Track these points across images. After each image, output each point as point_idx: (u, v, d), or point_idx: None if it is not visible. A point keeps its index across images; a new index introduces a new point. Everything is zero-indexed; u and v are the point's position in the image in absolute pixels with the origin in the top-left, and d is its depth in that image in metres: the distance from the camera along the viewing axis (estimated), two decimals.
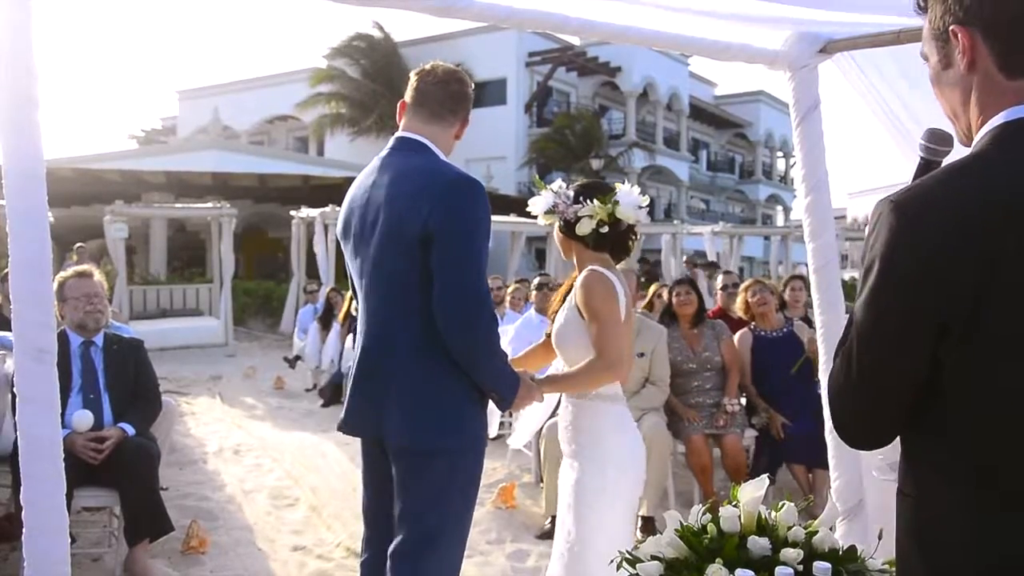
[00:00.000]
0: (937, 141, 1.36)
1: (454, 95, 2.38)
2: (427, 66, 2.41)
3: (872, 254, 1.13)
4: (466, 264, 2.15)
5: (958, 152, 1.33)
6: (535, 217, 2.71)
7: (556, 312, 2.74)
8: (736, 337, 5.23)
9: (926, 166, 1.37)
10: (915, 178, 1.32)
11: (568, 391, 2.61)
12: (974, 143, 1.18)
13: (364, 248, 2.27)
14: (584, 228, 2.55)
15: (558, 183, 2.68)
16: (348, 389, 2.38)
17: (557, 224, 2.63)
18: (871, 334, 1.15)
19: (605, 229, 2.55)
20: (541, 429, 4.57)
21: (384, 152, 2.37)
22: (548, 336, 2.77)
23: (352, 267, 2.37)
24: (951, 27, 1.17)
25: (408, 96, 2.38)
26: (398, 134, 2.37)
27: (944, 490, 1.14)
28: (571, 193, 2.60)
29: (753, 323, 5.30)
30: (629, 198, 2.58)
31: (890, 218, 1.10)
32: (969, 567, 1.10)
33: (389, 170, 2.29)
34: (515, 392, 2.32)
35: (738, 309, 5.51)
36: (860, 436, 1.27)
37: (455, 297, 2.13)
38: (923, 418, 1.15)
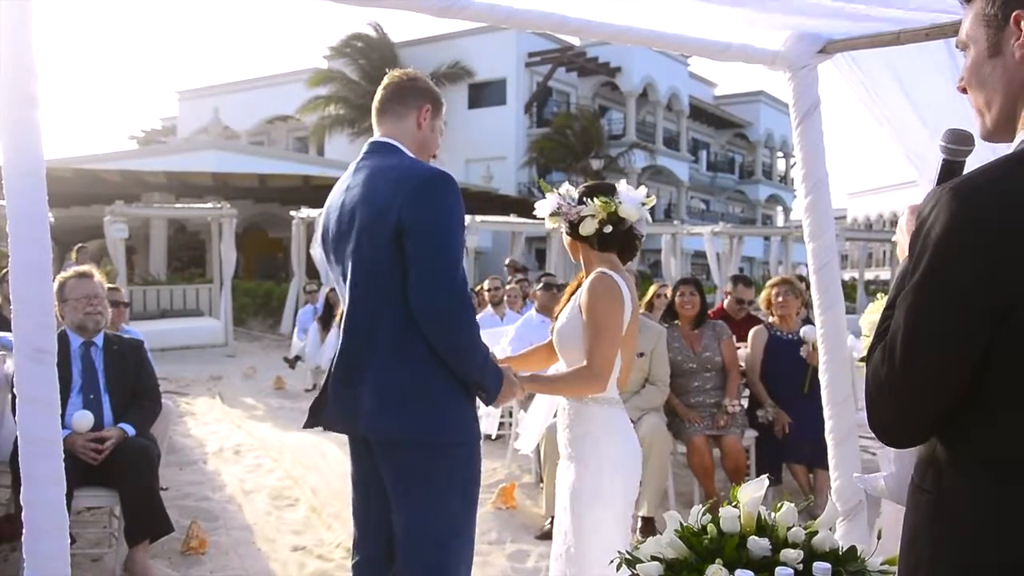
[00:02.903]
0: (959, 141, 1.35)
1: (400, 90, 2.41)
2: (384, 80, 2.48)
3: (926, 242, 1.11)
4: (440, 256, 2.16)
5: (980, 151, 1.32)
6: (536, 217, 2.72)
7: (560, 309, 2.74)
8: (751, 333, 5.27)
9: (949, 167, 1.35)
10: (939, 180, 1.31)
11: (550, 394, 2.61)
12: (1019, 141, 1.17)
13: (343, 248, 2.30)
14: (588, 228, 2.55)
15: (565, 186, 2.69)
16: (329, 384, 2.36)
17: (564, 227, 2.64)
18: (925, 321, 1.11)
19: (609, 229, 2.56)
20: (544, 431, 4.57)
21: (358, 157, 2.41)
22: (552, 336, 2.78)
23: (333, 266, 2.40)
24: (1016, 12, 1.16)
25: (373, 110, 2.45)
26: (369, 139, 2.43)
27: (967, 486, 1.13)
28: (575, 195, 2.62)
29: (771, 320, 5.32)
30: (631, 196, 2.59)
31: (951, 204, 1.09)
32: (991, 563, 1.10)
33: (363, 172, 2.33)
34: (498, 386, 2.31)
35: (760, 302, 5.53)
36: (903, 434, 1.21)
37: (430, 289, 2.14)
38: (948, 412, 1.14)
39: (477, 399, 2.32)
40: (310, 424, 2.43)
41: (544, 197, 2.67)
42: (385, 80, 2.46)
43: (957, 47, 1.29)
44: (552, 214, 2.63)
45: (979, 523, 1.11)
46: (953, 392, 1.12)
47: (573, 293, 2.71)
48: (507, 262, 11.92)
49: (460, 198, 2.24)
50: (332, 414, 2.36)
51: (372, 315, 2.23)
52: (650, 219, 2.69)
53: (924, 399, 1.14)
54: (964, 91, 1.28)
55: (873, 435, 1.26)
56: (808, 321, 5.21)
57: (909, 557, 1.22)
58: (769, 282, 5.59)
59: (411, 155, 2.35)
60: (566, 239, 2.68)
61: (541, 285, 6.47)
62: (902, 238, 1.39)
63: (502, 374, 2.33)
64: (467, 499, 2.29)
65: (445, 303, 2.15)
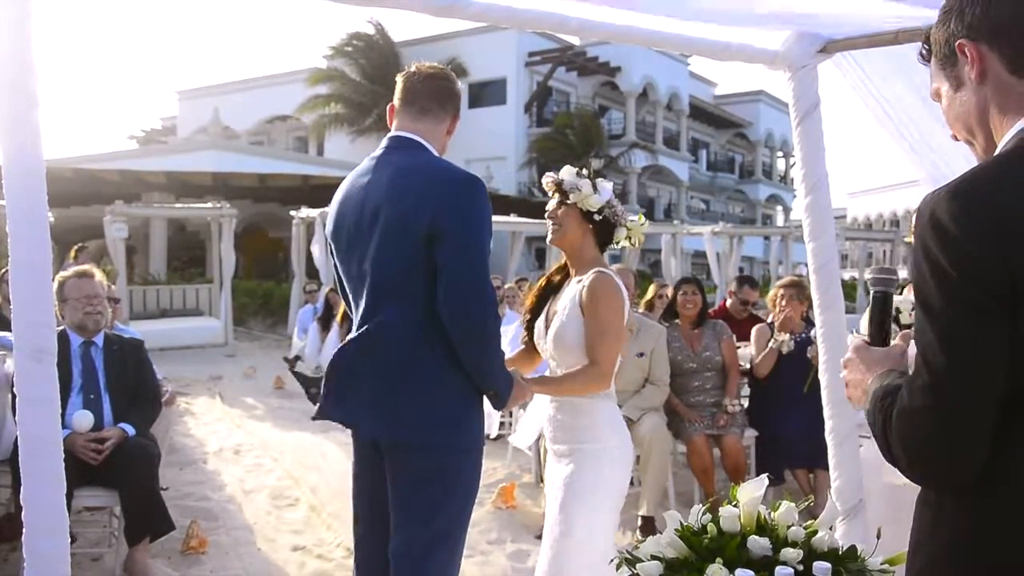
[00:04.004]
0: (885, 273, 1.45)
1: (441, 91, 2.38)
2: (412, 67, 2.43)
3: (931, 255, 1.11)
4: (473, 262, 2.15)
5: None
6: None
7: (531, 309, 2.73)
8: (754, 329, 5.29)
9: (884, 299, 1.43)
10: (872, 316, 1.41)
11: (557, 394, 2.61)
12: (1003, 144, 1.19)
13: (361, 245, 2.26)
14: (620, 235, 2.65)
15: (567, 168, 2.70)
16: (335, 379, 2.31)
17: (584, 211, 2.58)
18: (953, 327, 1.09)
19: (625, 242, 2.70)
20: (542, 429, 4.58)
21: (378, 151, 2.36)
22: (526, 343, 2.78)
23: (343, 265, 2.35)
24: (957, 42, 1.21)
25: (396, 98, 2.39)
26: (391, 133, 2.38)
27: (965, 495, 1.14)
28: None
29: (771, 320, 5.33)
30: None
31: (951, 206, 1.09)
32: (992, 564, 1.11)
33: (387, 168, 2.28)
34: (510, 391, 2.32)
35: (768, 300, 5.54)
36: (955, 463, 1.13)
37: (463, 295, 2.13)
38: None
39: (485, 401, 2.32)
40: (319, 416, 2.40)
41: (588, 177, 2.61)
42: (421, 72, 2.38)
43: (933, 99, 1.34)
44: (603, 205, 2.57)
45: (976, 530, 1.12)
46: (996, 400, 1.09)
47: (543, 290, 2.72)
48: None
49: (489, 203, 2.24)
50: (337, 409, 2.34)
51: (388, 314, 2.21)
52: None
53: (973, 413, 1.10)
54: (956, 139, 1.33)
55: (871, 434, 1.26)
56: (809, 321, 5.22)
57: (912, 565, 1.24)
58: (779, 282, 5.59)
59: (437, 155, 2.33)
60: (575, 220, 2.59)
61: None
62: (854, 376, 1.37)
63: (513, 379, 2.34)
64: (466, 504, 2.30)
65: (476, 312, 2.15)
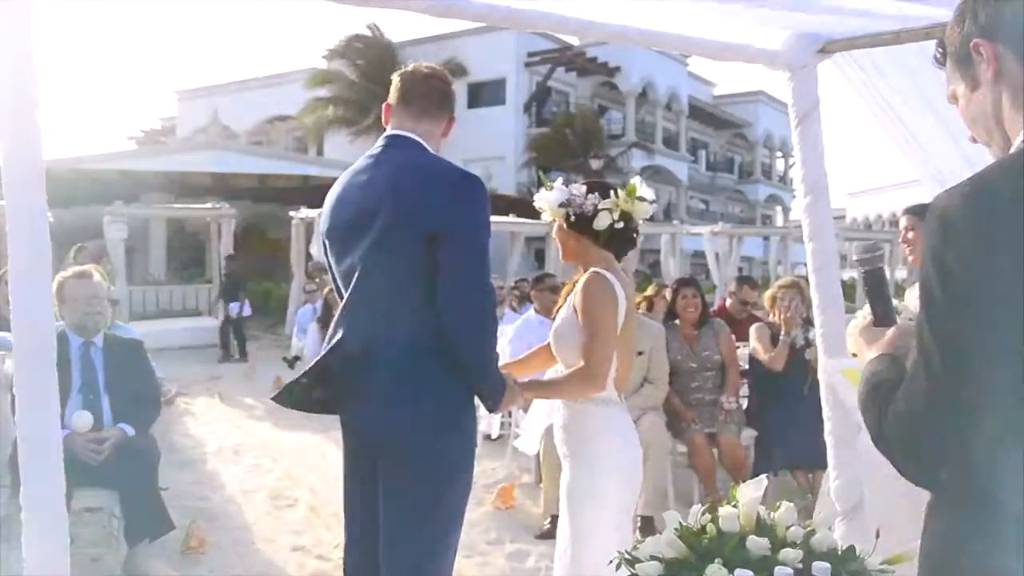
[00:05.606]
0: (869, 252, 1.50)
1: (439, 92, 2.39)
2: (408, 67, 2.43)
3: (933, 251, 1.10)
4: (475, 262, 2.15)
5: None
6: (536, 216, 2.71)
7: (557, 310, 2.74)
8: (754, 327, 5.28)
9: (868, 275, 1.49)
10: (868, 296, 1.46)
11: (549, 397, 2.60)
12: (1017, 143, 1.18)
13: (357, 242, 2.24)
14: (603, 221, 2.53)
15: (559, 182, 2.67)
16: (332, 373, 2.28)
17: (563, 220, 2.59)
18: (953, 329, 1.09)
19: (620, 224, 2.55)
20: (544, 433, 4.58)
21: (376, 150, 2.35)
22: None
23: (338, 263, 2.33)
24: (973, 42, 1.21)
25: (393, 97, 2.38)
26: (388, 132, 2.36)
27: (957, 505, 1.14)
28: (583, 188, 2.60)
29: (771, 319, 5.32)
30: (644, 192, 2.60)
31: (960, 205, 1.09)
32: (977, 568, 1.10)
33: (387, 166, 2.27)
34: (503, 393, 2.31)
35: (765, 299, 5.52)
36: (946, 466, 1.12)
37: (461, 296, 2.13)
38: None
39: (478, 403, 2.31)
40: (282, 400, 2.42)
41: (547, 189, 2.62)
42: (419, 72, 2.38)
43: (950, 101, 1.33)
44: (561, 205, 2.58)
45: (968, 538, 1.12)
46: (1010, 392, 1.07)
47: (570, 293, 2.71)
48: None
49: (489, 202, 2.25)
50: (330, 400, 2.31)
51: (389, 314, 2.19)
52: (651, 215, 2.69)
53: (973, 425, 1.09)
54: (975, 140, 1.31)
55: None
56: (808, 322, 5.22)
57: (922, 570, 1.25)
58: (779, 282, 5.57)
59: (435, 154, 2.33)
60: (563, 232, 2.62)
61: (540, 287, 6.46)
62: (859, 358, 1.40)
63: (506, 382, 2.33)
64: (460, 507, 2.28)
65: (475, 312, 2.15)
